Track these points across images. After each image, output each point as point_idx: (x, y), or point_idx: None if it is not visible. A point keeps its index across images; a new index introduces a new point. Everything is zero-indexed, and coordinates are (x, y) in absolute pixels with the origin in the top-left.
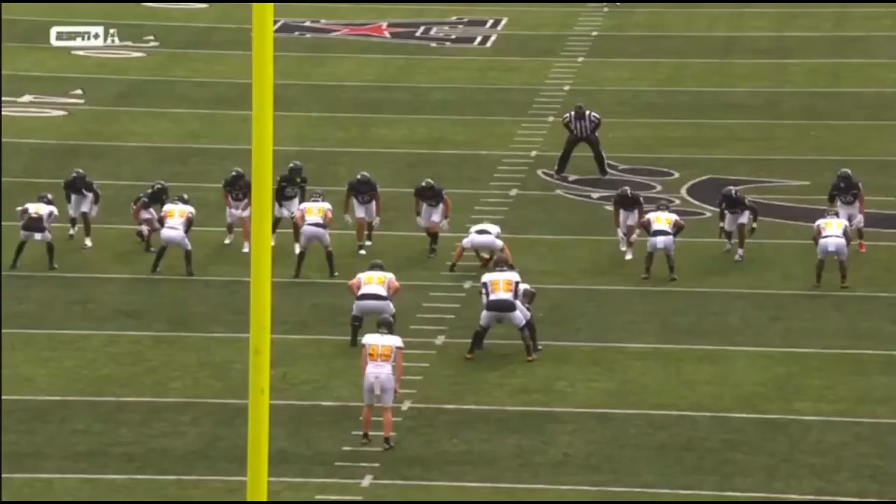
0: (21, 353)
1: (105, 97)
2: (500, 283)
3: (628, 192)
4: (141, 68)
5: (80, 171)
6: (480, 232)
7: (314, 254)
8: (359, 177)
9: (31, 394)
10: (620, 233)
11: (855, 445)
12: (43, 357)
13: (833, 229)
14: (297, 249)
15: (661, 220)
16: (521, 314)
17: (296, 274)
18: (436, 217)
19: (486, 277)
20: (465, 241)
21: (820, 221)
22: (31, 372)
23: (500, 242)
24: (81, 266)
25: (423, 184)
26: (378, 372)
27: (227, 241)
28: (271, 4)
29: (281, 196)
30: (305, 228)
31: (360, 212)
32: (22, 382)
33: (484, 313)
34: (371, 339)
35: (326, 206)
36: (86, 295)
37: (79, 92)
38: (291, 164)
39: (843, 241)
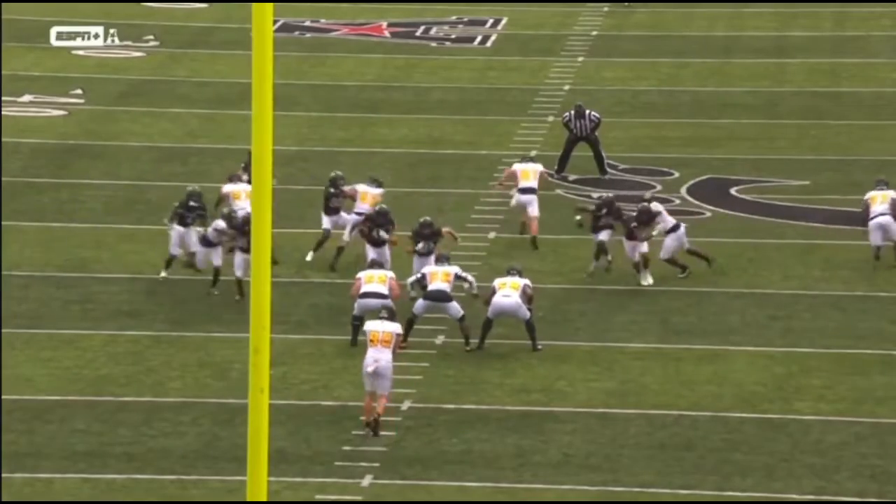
0: (21, 353)
1: (105, 97)
2: (439, 274)
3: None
4: (141, 68)
5: (196, 189)
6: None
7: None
8: (377, 208)
9: (31, 394)
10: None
11: (855, 445)
12: (43, 357)
13: (878, 205)
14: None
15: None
16: (457, 306)
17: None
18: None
19: (426, 269)
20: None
21: (869, 194)
22: (31, 372)
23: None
24: (81, 266)
25: (422, 220)
26: (377, 356)
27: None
28: (271, 4)
29: (328, 209)
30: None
31: (372, 254)
32: (22, 382)
33: (419, 302)
34: (372, 326)
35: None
36: (86, 295)
37: (79, 92)
38: (332, 174)
39: (889, 218)
